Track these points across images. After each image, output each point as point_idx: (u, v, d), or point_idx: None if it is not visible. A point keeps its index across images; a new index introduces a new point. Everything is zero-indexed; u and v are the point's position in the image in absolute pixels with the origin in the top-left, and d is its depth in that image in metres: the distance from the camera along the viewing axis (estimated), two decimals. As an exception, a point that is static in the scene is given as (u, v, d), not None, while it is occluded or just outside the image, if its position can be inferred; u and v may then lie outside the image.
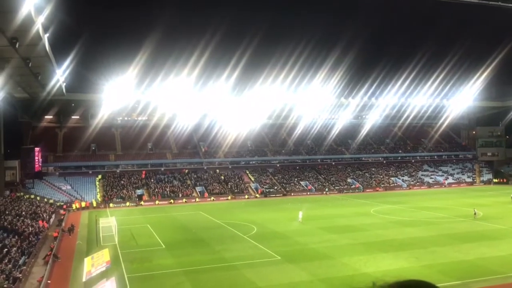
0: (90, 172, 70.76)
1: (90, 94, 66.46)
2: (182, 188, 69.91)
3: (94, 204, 61.45)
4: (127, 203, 63.30)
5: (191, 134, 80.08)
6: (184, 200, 66.13)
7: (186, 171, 75.69)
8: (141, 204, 63.81)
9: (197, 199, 67.10)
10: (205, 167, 77.62)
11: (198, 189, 70.70)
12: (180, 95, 66.81)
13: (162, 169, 75.08)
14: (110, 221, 43.28)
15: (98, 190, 66.57)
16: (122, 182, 69.30)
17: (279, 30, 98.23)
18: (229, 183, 73.34)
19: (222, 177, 75.05)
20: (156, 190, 68.26)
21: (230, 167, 79.16)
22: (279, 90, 70.45)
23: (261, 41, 73.51)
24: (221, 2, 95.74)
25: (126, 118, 79.61)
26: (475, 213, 45.72)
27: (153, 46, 62.88)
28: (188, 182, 72.76)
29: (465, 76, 76.53)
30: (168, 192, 67.85)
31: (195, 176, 74.71)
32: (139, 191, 67.73)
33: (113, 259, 29.22)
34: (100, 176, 69.74)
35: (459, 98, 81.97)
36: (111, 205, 61.93)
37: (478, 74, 74.86)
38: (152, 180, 71.22)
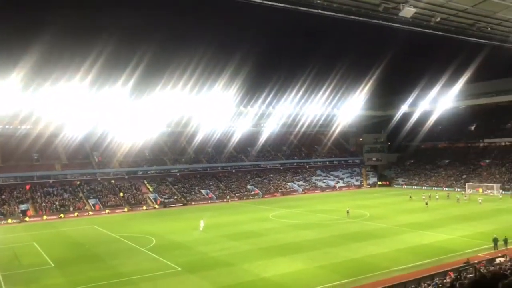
0: (-37, 187, 62.87)
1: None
2: (73, 201, 65.26)
3: (-32, 223, 54.61)
4: (9, 220, 57.28)
5: (83, 143, 75.02)
6: (76, 214, 61.78)
7: (78, 182, 70.88)
8: (26, 220, 58.20)
9: (90, 213, 63.11)
10: (99, 178, 73.42)
11: (92, 201, 66.57)
12: (71, 101, 62.38)
13: (51, 181, 69.33)
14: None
15: (-27, 207, 59.28)
16: (3, 196, 62.62)
17: (178, 37, 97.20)
18: (126, 194, 70.27)
19: (118, 188, 71.68)
20: (44, 204, 62.83)
21: (126, 177, 75.91)
22: (178, 98, 69.48)
23: (159, 47, 72.12)
24: (119, 3, 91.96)
25: (7, 126, 71.99)
26: (347, 212, 51.39)
27: (42, 49, 57.92)
28: (80, 194, 68.20)
29: (352, 87, 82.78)
30: (58, 206, 62.86)
31: (88, 188, 70.28)
32: (23, 206, 61.68)
33: (-9, 283, 26.17)
34: (-25, 191, 62.21)
35: (348, 108, 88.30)
36: (-11, 223, 55.54)
37: (362, 86, 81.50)
38: (39, 194, 65.43)
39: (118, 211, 65.05)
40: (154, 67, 70.10)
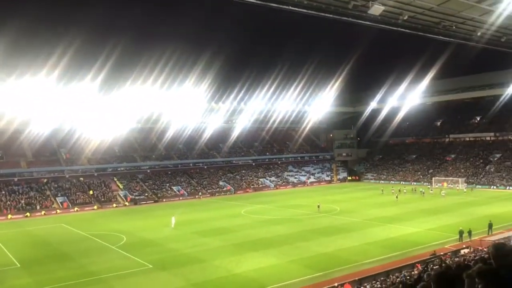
0: None
1: None
2: (40, 200, 63.49)
3: None
4: (-28, 220, 55.31)
5: (50, 140, 72.85)
6: (43, 212, 60.15)
7: (45, 180, 68.97)
8: (-10, 220, 56.28)
9: (58, 211, 61.58)
10: (67, 176, 71.64)
11: (59, 199, 64.93)
12: (37, 96, 60.46)
13: (16, 179, 67.15)
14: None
15: None
16: (-35, 196, 60.37)
17: (149, 32, 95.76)
18: (95, 192, 68.89)
19: (87, 186, 70.19)
20: (8, 203, 60.84)
21: (96, 174, 74.38)
22: (149, 93, 68.50)
23: (129, 41, 70.81)
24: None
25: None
26: (318, 206, 52.46)
27: (5, 42, 55.79)
28: (48, 192, 66.40)
29: (323, 84, 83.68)
30: (23, 205, 61.02)
31: (56, 185, 68.49)
32: (-14, 205, 59.65)
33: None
34: None
35: (318, 104, 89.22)
36: (-50, 223, 53.39)
37: (333, 83, 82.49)
38: (3, 192, 63.31)
39: (87, 209, 63.71)
40: (124, 61, 68.83)
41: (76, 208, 62.85)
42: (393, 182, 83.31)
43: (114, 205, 66.46)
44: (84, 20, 69.21)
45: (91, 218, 54.97)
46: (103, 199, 67.38)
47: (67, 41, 57.76)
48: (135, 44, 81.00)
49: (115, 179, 74.95)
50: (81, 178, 72.16)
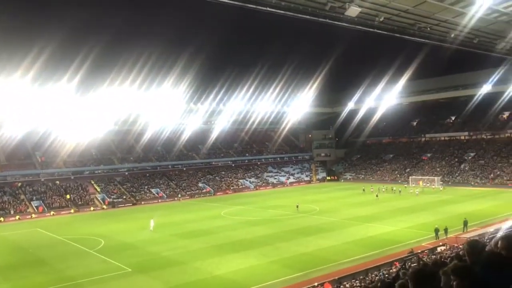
0: None
1: None
2: (14, 204, 61.91)
3: None
4: None
5: (24, 142, 70.93)
6: (17, 217, 58.68)
7: (19, 184, 67.32)
8: (-39, 226, 54.62)
9: (33, 215, 60.19)
10: (43, 179, 70.06)
11: (35, 203, 63.43)
12: (10, 98, 58.95)
13: (-12, 183, 65.46)
14: None
15: None
16: None
17: (127, 32, 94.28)
18: (72, 195, 67.59)
19: (63, 189, 68.81)
20: (-19, 208, 59.21)
21: (72, 177, 72.99)
22: (126, 94, 67.62)
23: (107, 42, 69.48)
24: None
25: None
26: (297, 206, 52.99)
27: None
28: (22, 196, 64.81)
29: (301, 85, 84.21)
30: (-3, 210, 59.46)
31: (31, 189, 66.91)
32: (-42, 211, 57.89)
33: None
34: None
35: (297, 105, 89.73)
36: None
37: (311, 84, 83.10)
38: (-24, 197, 61.59)
39: (63, 212, 62.47)
40: (102, 62, 67.65)
41: (52, 212, 61.55)
42: (371, 181, 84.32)
43: (92, 208, 65.35)
44: (61, 20, 67.75)
45: (68, 222, 53.91)
46: (80, 203, 66.17)
47: (43, 41, 56.55)
48: (113, 44, 79.69)
49: (93, 182, 73.72)
50: (57, 182, 70.70)
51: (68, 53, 65.28)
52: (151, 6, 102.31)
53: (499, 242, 3.94)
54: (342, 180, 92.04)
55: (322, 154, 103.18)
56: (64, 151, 71.44)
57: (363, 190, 69.29)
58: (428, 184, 73.45)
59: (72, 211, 63.33)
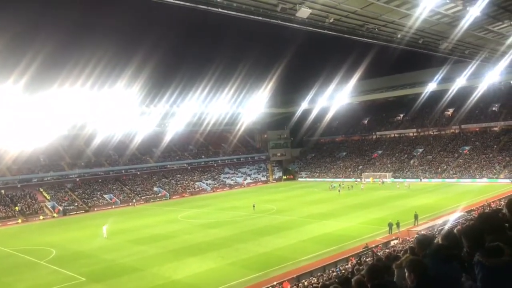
0: None
1: None
2: (-45, 216, 58.21)
3: None
4: None
5: (-35, 151, 66.95)
6: (-42, 230, 55.23)
7: (-40, 195, 63.38)
8: None
9: (-23, 227, 56.82)
10: (-14, 188, 66.33)
11: (-22, 214, 59.93)
12: None
13: None
14: None
15: None
16: None
17: (77, 33, 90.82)
18: (20, 204, 64.32)
19: (9, 199, 65.36)
20: None
21: (19, 186, 69.46)
22: (76, 97, 65.22)
23: (55, 42, 66.66)
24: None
25: None
26: (253, 206, 53.51)
27: None
28: (-36, 207, 61.05)
29: (256, 85, 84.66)
30: None
31: (-27, 199, 63.18)
32: None
33: None
34: None
35: (252, 106, 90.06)
36: None
37: (265, 84, 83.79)
38: None
39: (10, 223, 59.31)
40: (50, 64, 64.99)
41: (-3, 223, 58.33)
42: (327, 179, 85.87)
43: (41, 217, 62.52)
44: (8, 19, 64.02)
45: (15, 233, 51.29)
46: (28, 212, 63.08)
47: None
48: (62, 46, 76.70)
49: (41, 190, 70.53)
50: (2, 191, 67.09)
51: (14, 54, 62.29)
52: (102, 6, 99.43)
53: (441, 238, 4.31)
54: (299, 179, 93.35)
55: (278, 154, 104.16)
56: (8, 158, 67.76)
57: (332, 186, 71.12)
58: (380, 180, 75.39)
59: (19, 221, 60.23)
